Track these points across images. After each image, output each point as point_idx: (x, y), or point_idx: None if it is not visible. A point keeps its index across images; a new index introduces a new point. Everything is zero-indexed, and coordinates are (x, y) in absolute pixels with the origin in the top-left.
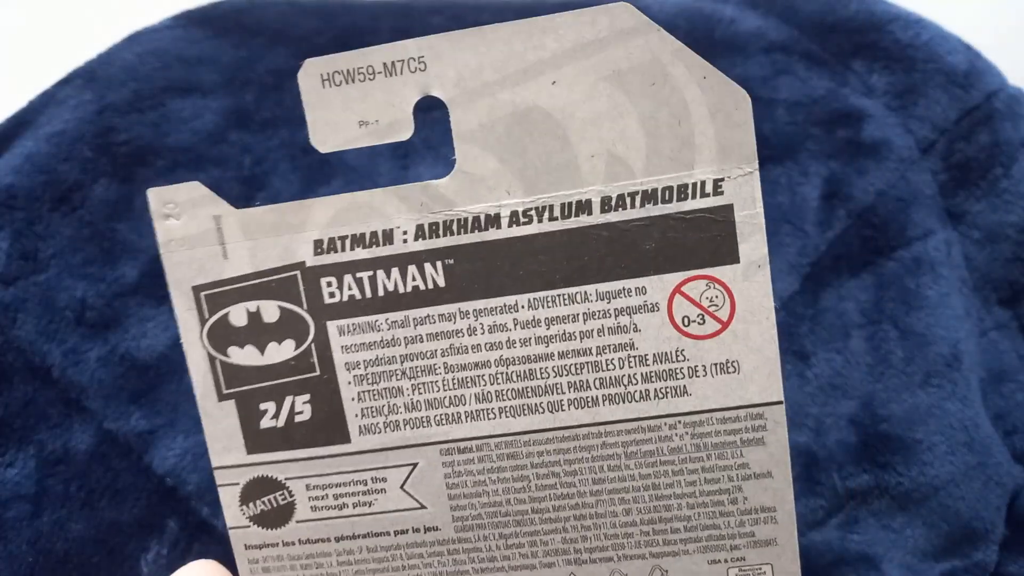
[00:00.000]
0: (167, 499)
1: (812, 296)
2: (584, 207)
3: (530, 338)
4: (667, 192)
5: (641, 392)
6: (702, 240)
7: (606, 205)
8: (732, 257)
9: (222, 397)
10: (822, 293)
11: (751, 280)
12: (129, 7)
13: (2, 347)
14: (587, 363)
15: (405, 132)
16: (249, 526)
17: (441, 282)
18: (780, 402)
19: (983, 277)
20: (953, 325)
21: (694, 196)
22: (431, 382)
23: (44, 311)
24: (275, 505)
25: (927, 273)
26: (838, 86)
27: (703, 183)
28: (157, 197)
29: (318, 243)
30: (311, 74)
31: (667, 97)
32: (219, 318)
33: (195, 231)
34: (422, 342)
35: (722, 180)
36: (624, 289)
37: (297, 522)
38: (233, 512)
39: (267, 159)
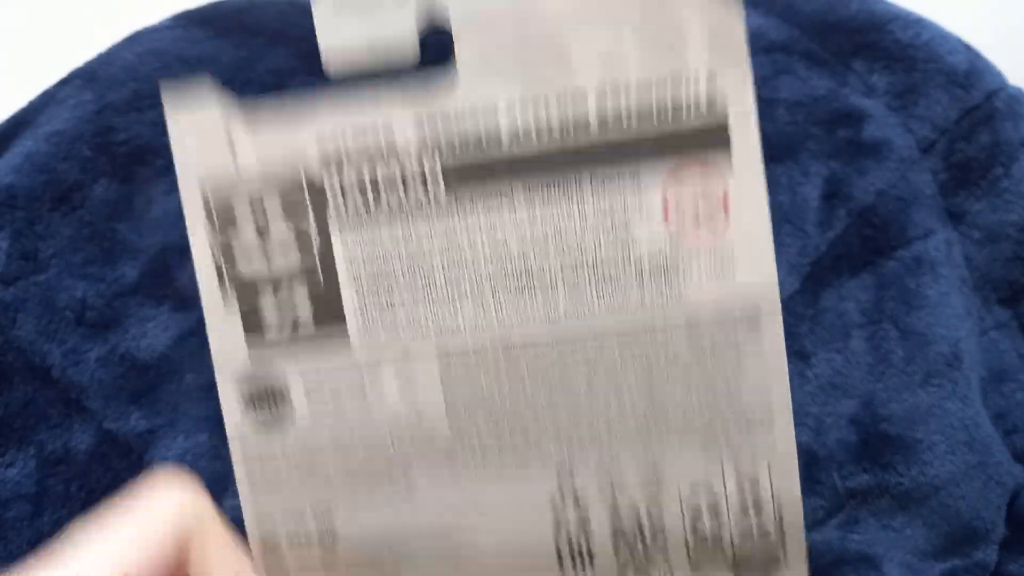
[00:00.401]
0: None
1: (812, 296)
2: (581, 100)
3: (526, 239)
4: (661, 85)
5: (636, 294)
6: (695, 131)
7: (602, 98)
8: (724, 149)
9: (227, 304)
10: (822, 293)
11: (743, 173)
12: (129, 7)
13: (2, 347)
14: (582, 264)
15: (412, 55)
16: (247, 432)
17: (442, 193)
18: (775, 296)
19: (983, 276)
20: (953, 324)
21: (687, 88)
22: (430, 289)
23: (44, 311)
24: (274, 410)
25: (927, 273)
26: (838, 86)
27: (696, 77)
28: (169, 95)
29: (324, 154)
30: (325, 2)
31: (662, 1)
32: (229, 233)
33: (204, 129)
34: (423, 251)
35: (715, 74)
36: (618, 174)
37: (295, 427)
38: (233, 419)
39: None
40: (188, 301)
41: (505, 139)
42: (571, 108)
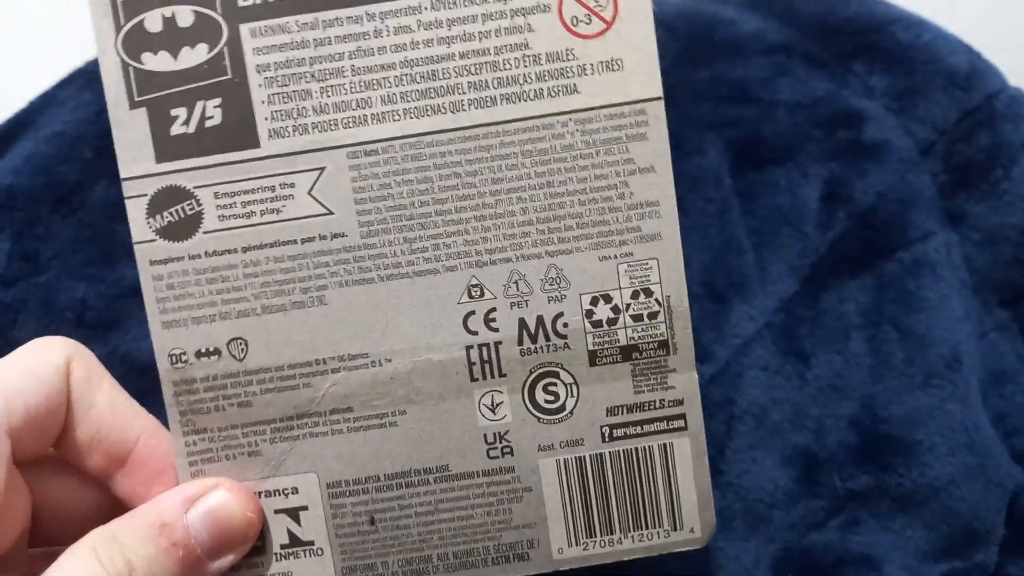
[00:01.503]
0: None
1: (812, 297)
2: None
3: (433, 39)
4: None
5: (535, 91)
6: None
7: None
8: None
9: (134, 104)
10: (822, 294)
11: None
12: None
13: (2, 348)
14: (485, 63)
15: None
16: (155, 239)
17: None
18: (660, 98)
19: (983, 279)
20: (953, 326)
21: None
22: (339, 85)
23: (44, 312)
24: (182, 216)
25: (927, 275)
26: (838, 87)
27: None
28: None
29: None
30: None
31: None
32: (135, 24)
33: None
34: (330, 44)
35: None
36: None
37: (204, 233)
38: (139, 226)
39: None
40: None
41: None
42: None
